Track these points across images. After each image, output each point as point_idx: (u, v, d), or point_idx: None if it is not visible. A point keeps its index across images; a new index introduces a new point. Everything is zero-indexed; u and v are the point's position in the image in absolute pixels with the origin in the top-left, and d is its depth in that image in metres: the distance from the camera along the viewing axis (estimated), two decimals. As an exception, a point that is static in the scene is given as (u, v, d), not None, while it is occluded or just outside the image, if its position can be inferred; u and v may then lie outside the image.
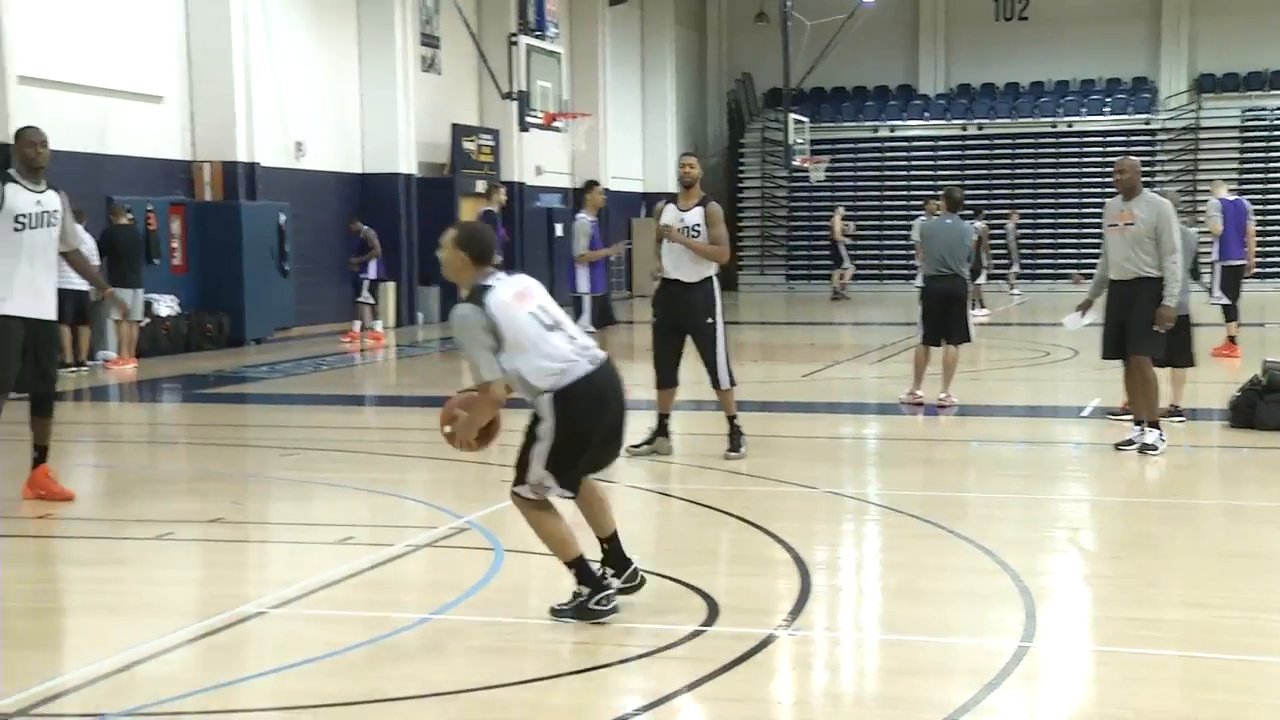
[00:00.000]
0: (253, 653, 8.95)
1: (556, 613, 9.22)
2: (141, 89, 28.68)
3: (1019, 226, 44.82)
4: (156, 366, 25.81)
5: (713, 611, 9.26)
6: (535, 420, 9.05)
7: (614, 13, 46.94)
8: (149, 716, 7.53)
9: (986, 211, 39.51)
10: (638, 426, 15.44)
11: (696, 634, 8.78)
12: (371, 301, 31.88)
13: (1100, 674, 8.35)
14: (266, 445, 17.46)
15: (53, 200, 12.89)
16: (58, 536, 12.53)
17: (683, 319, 15.51)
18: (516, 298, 9.00)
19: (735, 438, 15.61)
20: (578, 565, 9.21)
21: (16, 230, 12.54)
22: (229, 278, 29.63)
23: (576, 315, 19.68)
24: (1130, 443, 15.10)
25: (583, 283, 20.55)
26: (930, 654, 8.65)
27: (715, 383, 15.57)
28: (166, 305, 28.08)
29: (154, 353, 26.83)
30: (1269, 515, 12.53)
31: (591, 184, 21.84)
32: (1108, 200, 15.61)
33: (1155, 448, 14.81)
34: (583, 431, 9.07)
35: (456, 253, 9.29)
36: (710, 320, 15.37)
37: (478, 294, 8.95)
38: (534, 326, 8.95)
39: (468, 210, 38.15)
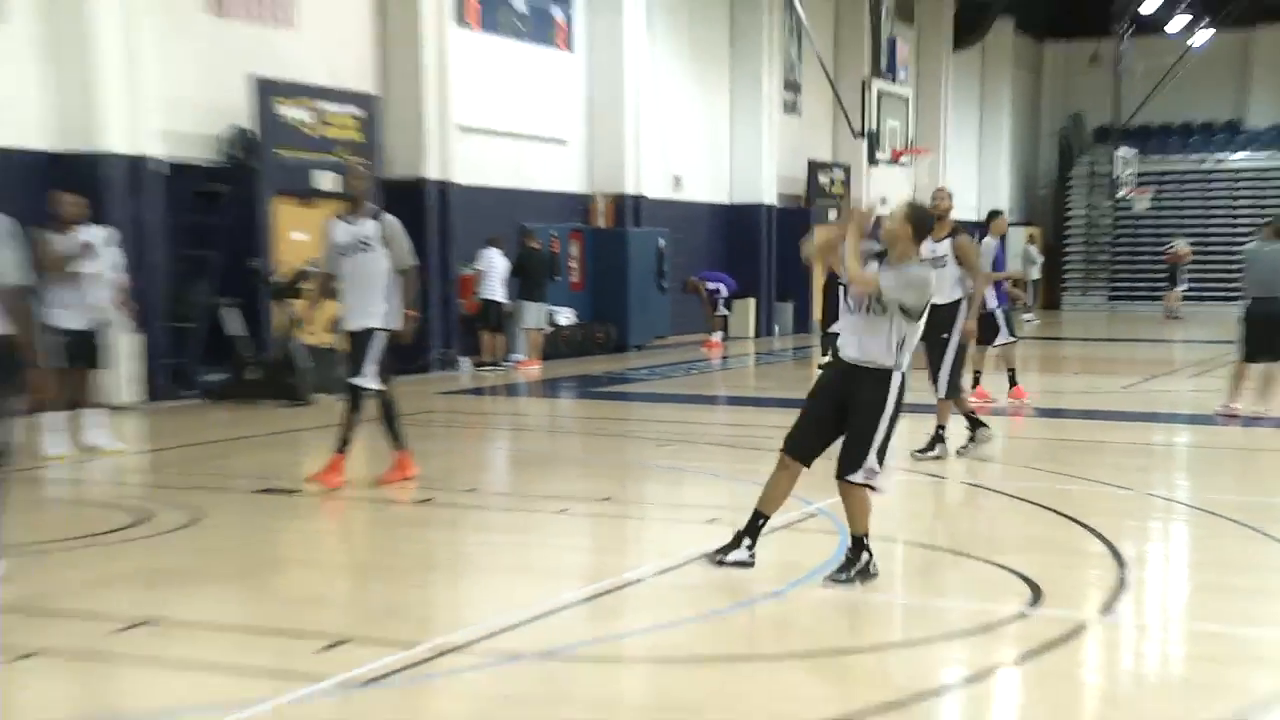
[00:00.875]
0: (634, 613, 9.18)
1: (839, 581, 9.43)
2: (550, 134, 29.38)
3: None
4: (556, 368, 26.35)
5: (1036, 595, 9.17)
6: (876, 398, 9.29)
7: (958, 57, 46.48)
8: (554, 660, 7.84)
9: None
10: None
11: (1021, 616, 8.73)
12: (727, 313, 32.49)
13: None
14: (646, 437, 17.70)
15: (367, 229, 12.76)
16: (479, 508, 12.89)
17: (930, 333, 15.40)
18: None
19: (934, 441, 15.28)
20: (865, 537, 9.53)
21: (338, 258, 12.79)
22: (616, 293, 30.15)
23: (994, 332, 19.86)
24: None
25: (991, 300, 20.38)
26: (1238, 645, 8.40)
27: (936, 390, 15.40)
28: (565, 316, 28.66)
29: (554, 356, 27.40)
30: None
31: (996, 213, 21.84)
32: None
33: None
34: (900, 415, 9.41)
35: (905, 226, 9.47)
36: (945, 336, 15.09)
37: (927, 266, 9.57)
38: None
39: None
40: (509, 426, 19.73)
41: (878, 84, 32.65)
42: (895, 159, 34.22)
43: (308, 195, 22.48)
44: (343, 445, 13.08)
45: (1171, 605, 9.72)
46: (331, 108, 22.85)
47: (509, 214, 27.43)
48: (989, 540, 11.31)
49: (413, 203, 24.71)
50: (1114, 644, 8.52)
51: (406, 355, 24.45)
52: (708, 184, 34.93)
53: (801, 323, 37.05)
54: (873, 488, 9.46)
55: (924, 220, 9.71)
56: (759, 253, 35.71)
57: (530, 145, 28.77)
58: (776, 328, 36.45)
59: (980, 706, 7.40)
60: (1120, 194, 49.66)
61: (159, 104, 20.44)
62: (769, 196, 36.20)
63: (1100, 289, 53.20)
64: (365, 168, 13.69)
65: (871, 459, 9.35)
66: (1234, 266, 24.41)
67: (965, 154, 48.40)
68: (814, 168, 38.01)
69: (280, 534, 11.53)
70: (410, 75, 25.00)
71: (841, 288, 10.72)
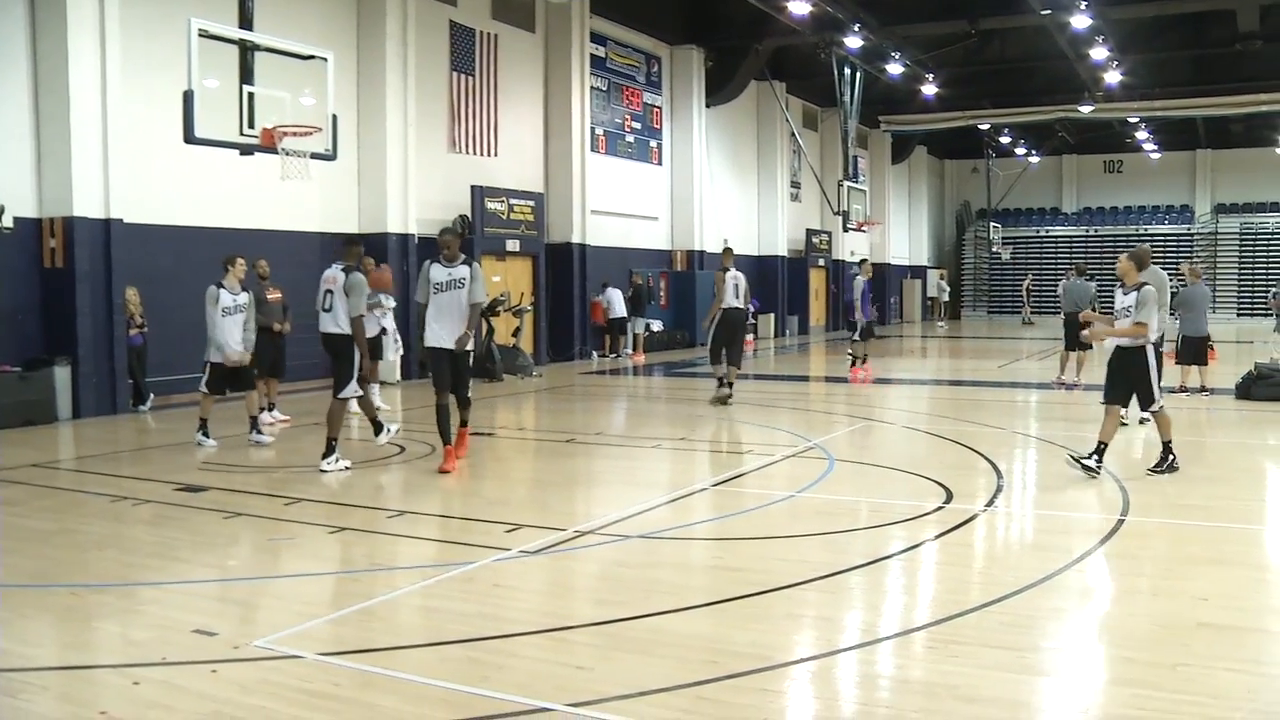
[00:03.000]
0: (700, 509, 9.04)
1: (1156, 471, 10.01)
2: (648, 214, 29.15)
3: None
4: (652, 357, 26.15)
5: (949, 496, 9.10)
6: (1145, 359, 9.90)
7: (894, 168, 46.20)
8: (649, 539, 7.73)
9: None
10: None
11: (939, 509, 8.65)
12: (755, 322, 32.10)
13: (1172, 543, 7.88)
14: (706, 399, 17.32)
15: (462, 271, 10.29)
16: (603, 444, 12.69)
17: (730, 331, 16.12)
18: None
19: (726, 388, 16.00)
20: (1170, 443, 10.10)
21: (434, 293, 10.28)
22: (688, 310, 29.72)
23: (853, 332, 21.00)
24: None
25: (860, 315, 20.98)
26: (1066, 523, 8.35)
27: (729, 364, 16.16)
28: (657, 325, 28.44)
29: (650, 349, 27.18)
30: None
31: (862, 260, 22.28)
32: None
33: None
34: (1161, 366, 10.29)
35: (1129, 264, 10.14)
36: (740, 333, 16.26)
37: (1143, 284, 9.97)
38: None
39: (815, 279, 38.11)
40: (621, 394, 19.60)
41: (847, 183, 32.30)
42: (859, 228, 33.87)
43: (502, 254, 22.53)
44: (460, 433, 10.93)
45: (1027, 500, 9.56)
46: (517, 201, 22.81)
47: (623, 263, 27.37)
48: (920, 462, 11.10)
49: (565, 257, 24.74)
50: (994, 525, 8.37)
51: (559, 348, 24.64)
52: (745, 242, 34.51)
53: (804, 327, 36.90)
54: (1161, 411, 10.09)
55: (1140, 258, 10.20)
56: (777, 285, 35.45)
57: (636, 221, 28.58)
58: (787, 331, 36.13)
59: (915, 564, 7.23)
60: (993, 250, 49.67)
61: (418, 203, 20.64)
62: (783, 250, 35.84)
63: (983, 305, 53.04)
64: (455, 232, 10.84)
65: (1157, 395, 10.02)
66: (1056, 293, 23.88)
67: (900, 225, 48.07)
68: (809, 233, 37.70)
69: (480, 460, 11.42)
70: (564, 180, 24.95)
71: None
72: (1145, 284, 9.98)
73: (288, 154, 12.87)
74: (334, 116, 13.51)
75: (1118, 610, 6.22)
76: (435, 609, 6.16)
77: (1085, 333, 10.71)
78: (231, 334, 12.22)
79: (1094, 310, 14.79)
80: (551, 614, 6.08)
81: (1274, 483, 10.19)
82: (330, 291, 10.59)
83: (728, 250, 16.89)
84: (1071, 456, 10.16)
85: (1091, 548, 7.40)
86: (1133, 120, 41.38)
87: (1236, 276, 47.61)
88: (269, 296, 13.79)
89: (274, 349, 13.82)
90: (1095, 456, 9.85)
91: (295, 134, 12.86)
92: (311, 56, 13.40)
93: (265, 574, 7.05)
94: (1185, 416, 14.29)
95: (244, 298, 12.38)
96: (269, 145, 12.70)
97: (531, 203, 23.29)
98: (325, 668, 5.16)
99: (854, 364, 21.11)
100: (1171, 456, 10.07)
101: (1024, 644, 5.48)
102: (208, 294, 12.23)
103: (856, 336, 21.08)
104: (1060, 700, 4.86)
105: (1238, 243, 48.16)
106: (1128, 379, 10.04)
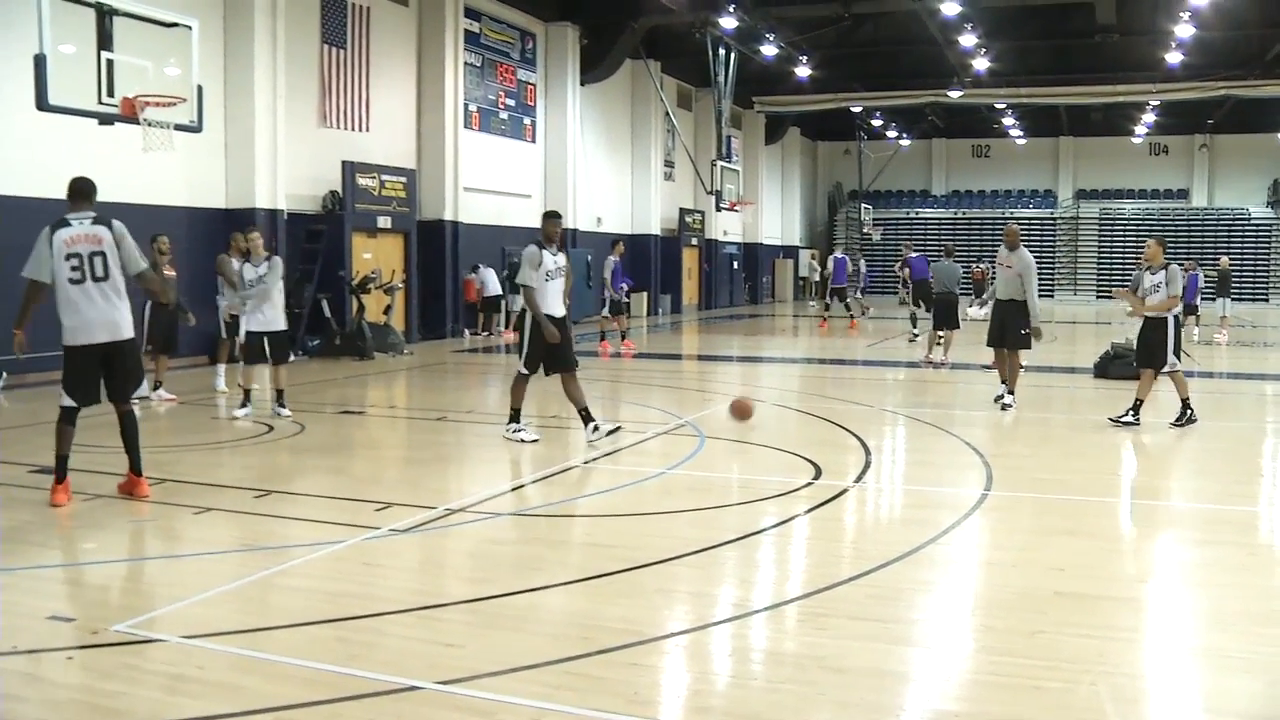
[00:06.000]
0: (576, 486, 9.04)
1: (1178, 425, 11.52)
2: (520, 191, 28.86)
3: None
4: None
5: (818, 472, 9.23)
6: (1166, 328, 11.47)
7: (767, 149, 46.65)
8: (522, 517, 7.72)
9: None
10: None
11: (809, 484, 8.76)
12: (628, 301, 32.04)
13: (1032, 516, 8.17)
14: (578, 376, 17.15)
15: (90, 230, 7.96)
16: (474, 422, 12.48)
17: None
18: None
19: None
20: (1187, 400, 11.59)
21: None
22: (563, 289, 29.66)
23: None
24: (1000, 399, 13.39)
25: (613, 291, 21.82)
26: (934, 498, 8.56)
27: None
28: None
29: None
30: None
31: (616, 240, 22.60)
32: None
33: (1011, 406, 13.09)
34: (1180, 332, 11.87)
35: (1157, 248, 11.58)
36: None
37: (1169, 264, 11.48)
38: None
39: (689, 258, 38.32)
40: (494, 372, 19.36)
41: (721, 163, 32.51)
42: (731, 207, 34.09)
43: (374, 231, 22.17)
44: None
45: (895, 475, 9.81)
46: (388, 177, 22.45)
47: (496, 241, 27.11)
48: (790, 439, 11.26)
49: (437, 234, 24.47)
50: (863, 500, 8.55)
51: (431, 326, 24.36)
52: (618, 221, 34.48)
53: (677, 306, 37.07)
54: (1177, 371, 11.59)
55: (1163, 242, 11.70)
56: (650, 263, 35.48)
57: (508, 199, 28.25)
58: (660, 310, 36.23)
59: (786, 539, 7.34)
60: (864, 230, 50.45)
61: (287, 178, 20.10)
62: (656, 229, 35.88)
63: (855, 285, 53.99)
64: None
65: (1171, 359, 11.50)
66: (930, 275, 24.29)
67: (773, 205, 48.60)
68: (682, 212, 37.89)
69: (351, 439, 11.26)
70: (436, 156, 24.63)
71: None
72: (1171, 263, 11.53)
73: (150, 125, 12.44)
74: (199, 87, 13.10)
75: (979, 581, 6.41)
76: (303, 589, 6.06)
77: (1128, 310, 12.13)
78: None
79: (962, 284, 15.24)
80: (422, 592, 6.03)
81: (1127, 457, 10.59)
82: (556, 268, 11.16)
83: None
84: (1110, 418, 11.71)
85: (956, 521, 7.61)
86: (999, 106, 42.51)
87: (1096, 260, 49.41)
88: (167, 274, 13.37)
89: (170, 325, 13.46)
90: (1133, 413, 11.53)
91: (158, 104, 12.44)
92: (175, 24, 12.97)
93: (127, 557, 6.84)
94: (1045, 395, 14.78)
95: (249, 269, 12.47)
96: (130, 115, 12.26)
97: (404, 179, 22.95)
98: (189, 650, 5.03)
99: (604, 338, 21.83)
100: (1190, 411, 11.59)
101: (890, 615, 5.62)
102: (276, 264, 12.30)
103: (606, 312, 22.05)
104: (925, 668, 4.99)
105: (1097, 227, 49.94)
106: (1151, 344, 11.66)
